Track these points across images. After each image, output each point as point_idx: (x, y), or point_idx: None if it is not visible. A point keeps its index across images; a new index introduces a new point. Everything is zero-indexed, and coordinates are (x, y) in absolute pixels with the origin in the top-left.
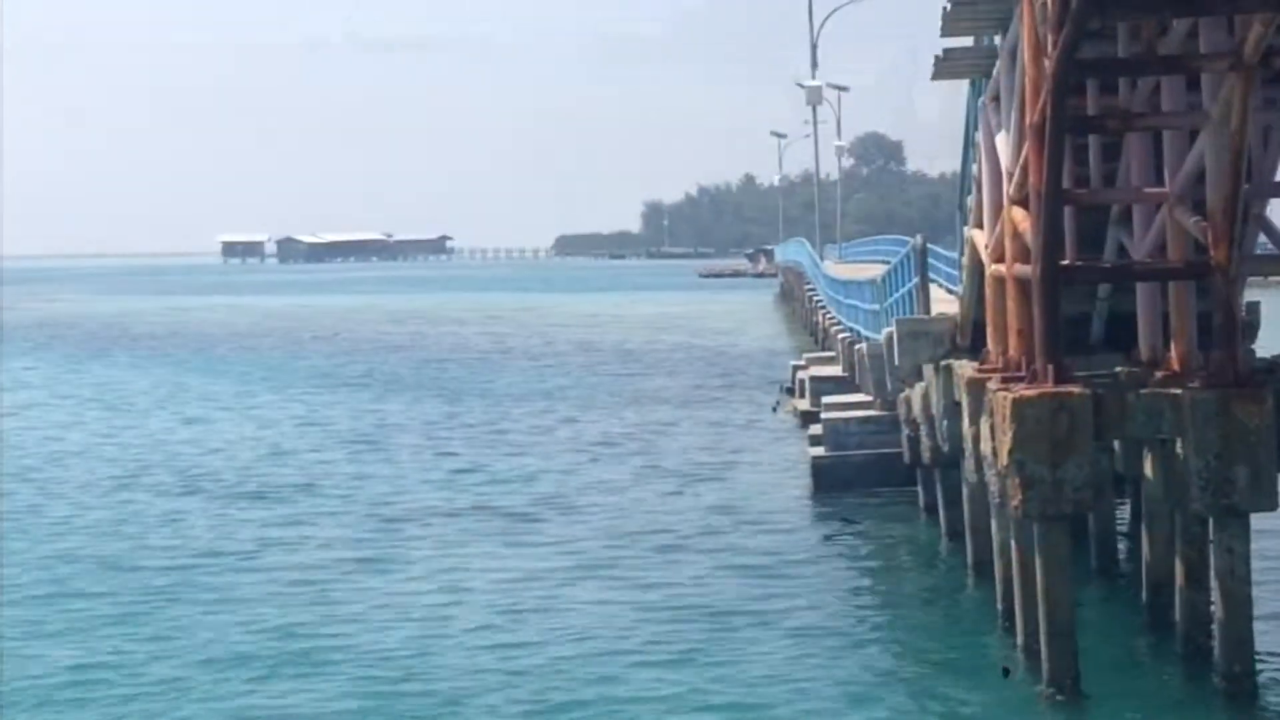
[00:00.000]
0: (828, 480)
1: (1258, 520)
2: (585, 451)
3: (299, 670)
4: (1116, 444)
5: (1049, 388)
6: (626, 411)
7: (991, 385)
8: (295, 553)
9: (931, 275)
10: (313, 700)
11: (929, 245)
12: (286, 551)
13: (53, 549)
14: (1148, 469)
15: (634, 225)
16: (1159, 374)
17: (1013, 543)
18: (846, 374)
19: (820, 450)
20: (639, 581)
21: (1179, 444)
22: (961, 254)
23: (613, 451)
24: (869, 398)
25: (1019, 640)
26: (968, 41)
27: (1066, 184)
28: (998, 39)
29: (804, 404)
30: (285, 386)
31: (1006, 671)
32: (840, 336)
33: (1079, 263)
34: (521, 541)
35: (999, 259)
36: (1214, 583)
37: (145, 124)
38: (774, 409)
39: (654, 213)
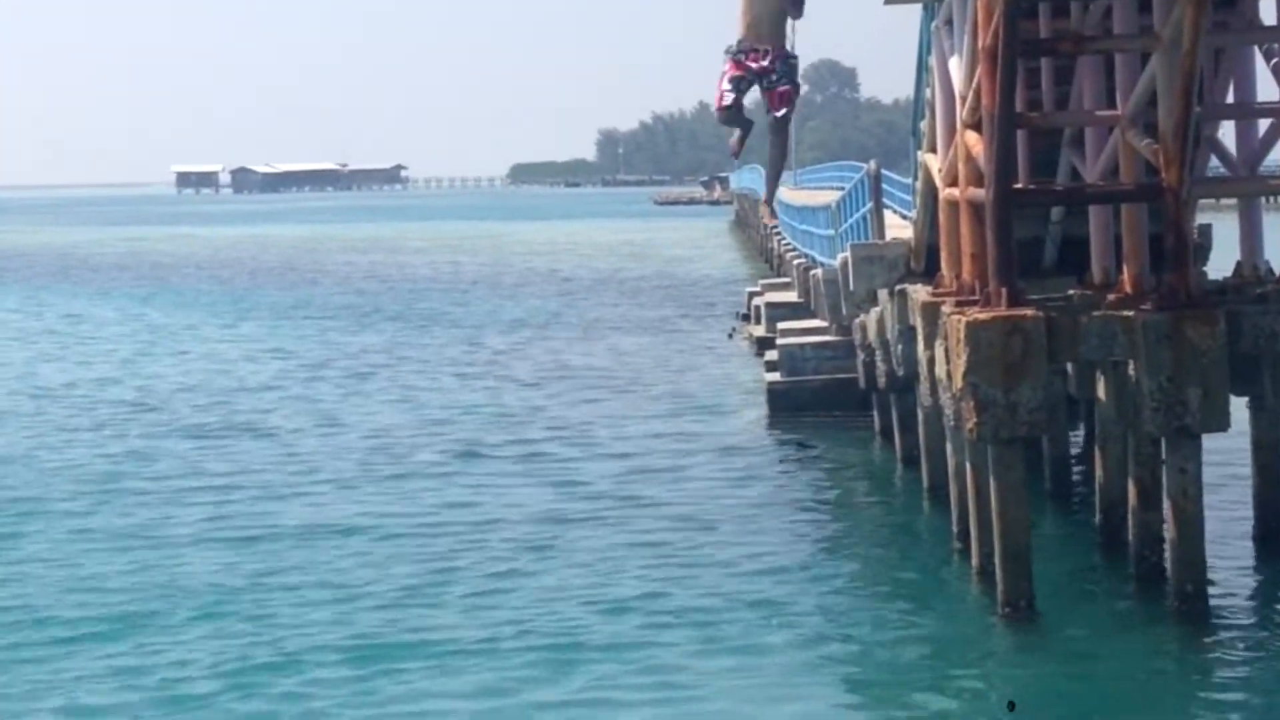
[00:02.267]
0: (783, 405)
1: (1209, 441)
2: (541, 379)
3: (268, 609)
4: (1070, 367)
5: (1002, 311)
6: (582, 338)
7: (945, 309)
8: (261, 482)
9: (886, 201)
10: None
11: (883, 171)
12: (256, 485)
13: (31, 484)
14: (1101, 391)
15: (589, 153)
16: (1111, 297)
17: (968, 466)
18: (801, 300)
19: (776, 376)
20: (592, 508)
21: (1131, 366)
22: (915, 179)
23: (568, 378)
24: (824, 323)
25: (974, 562)
26: None
27: (1019, 107)
28: None
29: (759, 330)
30: (253, 318)
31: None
32: (795, 262)
33: (1032, 186)
34: (478, 469)
35: (952, 183)
36: (1166, 504)
37: (95, 52)
38: (729, 335)
39: (609, 141)
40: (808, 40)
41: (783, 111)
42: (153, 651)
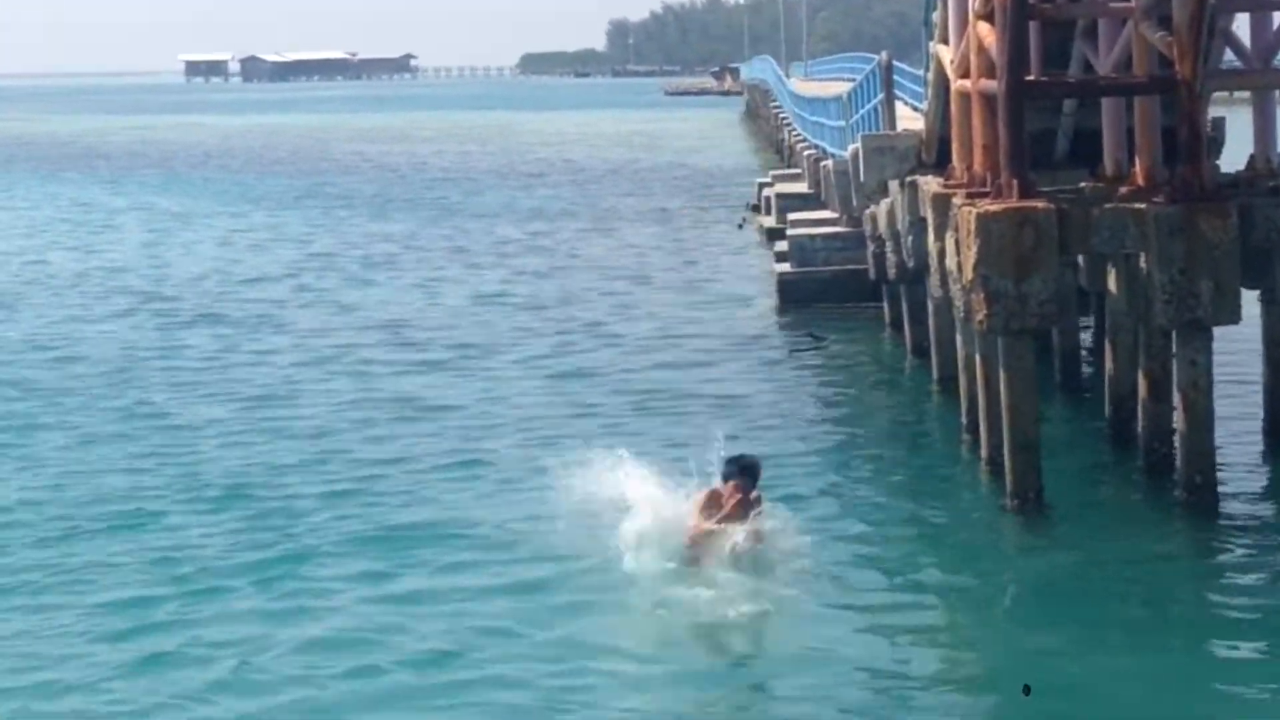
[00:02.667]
0: (794, 296)
1: (1220, 334)
2: (552, 269)
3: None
4: (1081, 259)
5: (1014, 203)
6: (593, 229)
7: (957, 201)
8: (280, 367)
9: (897, 92)
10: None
11: (894, 62)
12: (272, 374)
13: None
14: (1112, 284)
15: (599, 43)
16: (1123, 189)
17: (977, 358)
18: (812, 191)
19: (786, 266)
20: (604, 398)
21: (1143, 258)
22: (927, 70)
23: (579, 269)
24: (834, 214)
25: (983, 454)
26: None
27: None
28: None
29: (770, 221)
30: (264, 206)
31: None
32: (806, 153)
33: (1044, 78)
34: (493, 355)
35: (964, 74)
36: (1177, 396)
37: None
38: (740, 226)
39: (619, 31)
40: None
41: None
42: (169, 540)
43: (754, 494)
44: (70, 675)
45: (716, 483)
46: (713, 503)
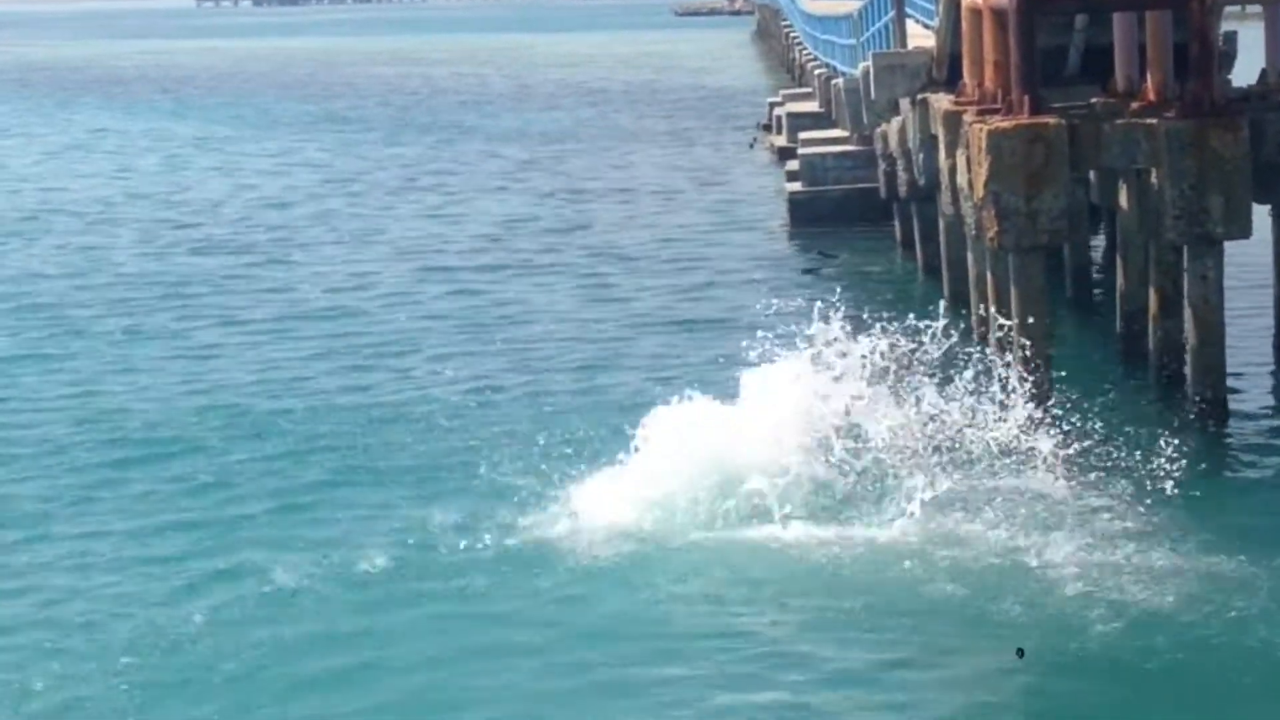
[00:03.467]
0: (804, 215)
1: (1230, 248)
2: (568, 190)
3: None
4: (1092, 175)
5: (1025, 119)
6: (606, 150)
7: (967, 118)
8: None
9: (908, 9)
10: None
11: None
12: (299, 297)
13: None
14: (1123, 199)
15: None
16: (1135, 105)
17: (989, 274)
18: (823, 110)
19: (797, 185)
20: (621, 316)
21: (1154, 174)
22: None
23: (592, 190)
24: (845, 133)
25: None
26: None
27: None
28: None
29: (781, 140)
30: (282, 132)
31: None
32: (817, 72)
33: None
34: (523, 271)
35: None
36: (1187, 311)
37: None
38: (751, 145)
39: None
40: None
41: None
42: (199, 467)
43: None
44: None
45: None
46: None
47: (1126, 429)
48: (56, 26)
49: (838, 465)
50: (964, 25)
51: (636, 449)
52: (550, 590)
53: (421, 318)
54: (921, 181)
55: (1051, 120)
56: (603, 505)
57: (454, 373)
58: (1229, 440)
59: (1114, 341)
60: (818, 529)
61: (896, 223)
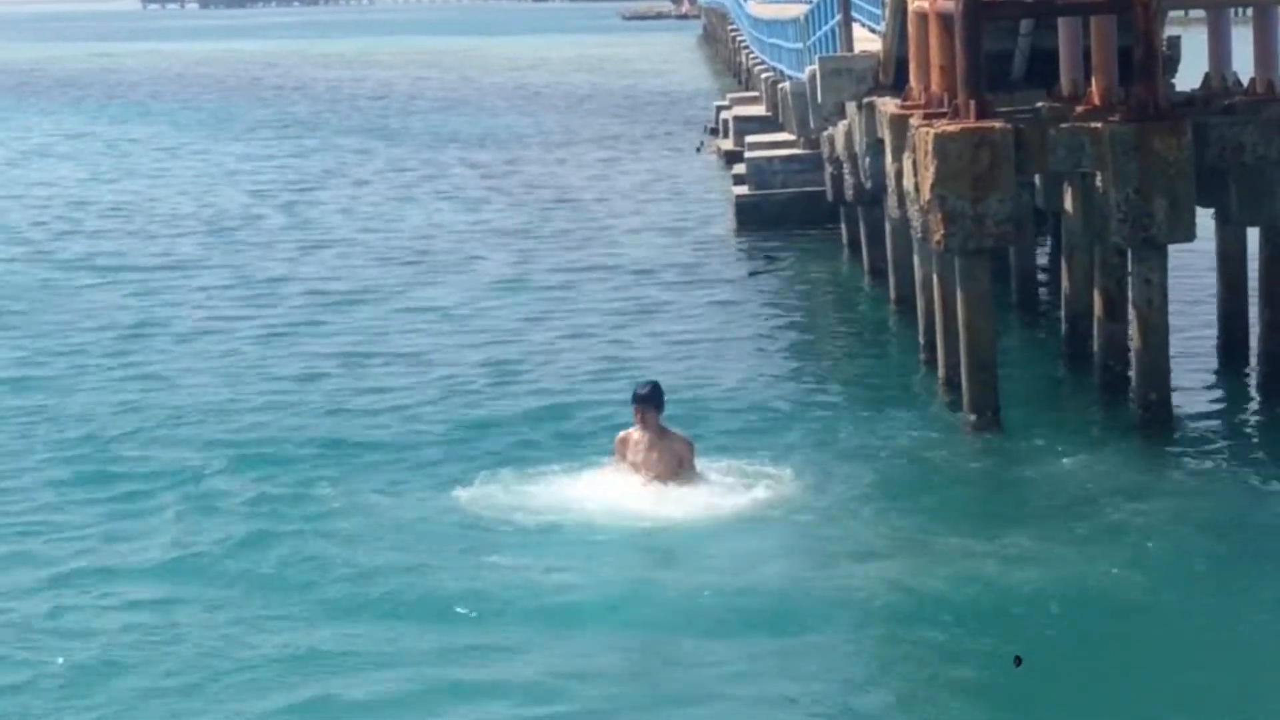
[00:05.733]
0: (752, 218)
1: (1174, 252)
2: (512, 194)
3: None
4: (1038, 178)
5: (971, 123)
6: (552, 154)
7: (914, 121)
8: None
9: (854, 13)
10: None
11: None
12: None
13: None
14: (1068, 203)
15: None
16: (1080, 109)
17: (935, 277)
18: (770, 113)
19: (744, 189)
20: (567, 321)
21: (1099, 177)
22: None
23: (537, 193)
24: (792, 136)
25: (940, 373)
26: None
27: None
28: None
29: (728, 144)
30: (228, 134)
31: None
32: (763, 76)
33: None
34: (454, 284)
35: None
36: (1132, 314)
37: None
38: (698, 149)
39: None
40: None
41: None
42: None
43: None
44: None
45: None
46: (624, 444)
47: (1070, 431)
48: (3, 29)
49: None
50: (910, 29)
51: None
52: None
53: (350, 323)
54: (868, 185)
55: (997, 124)
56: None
57: (368, 379)
58: (1173, 443)
59: (1058, 344)
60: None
61: (843, 226)
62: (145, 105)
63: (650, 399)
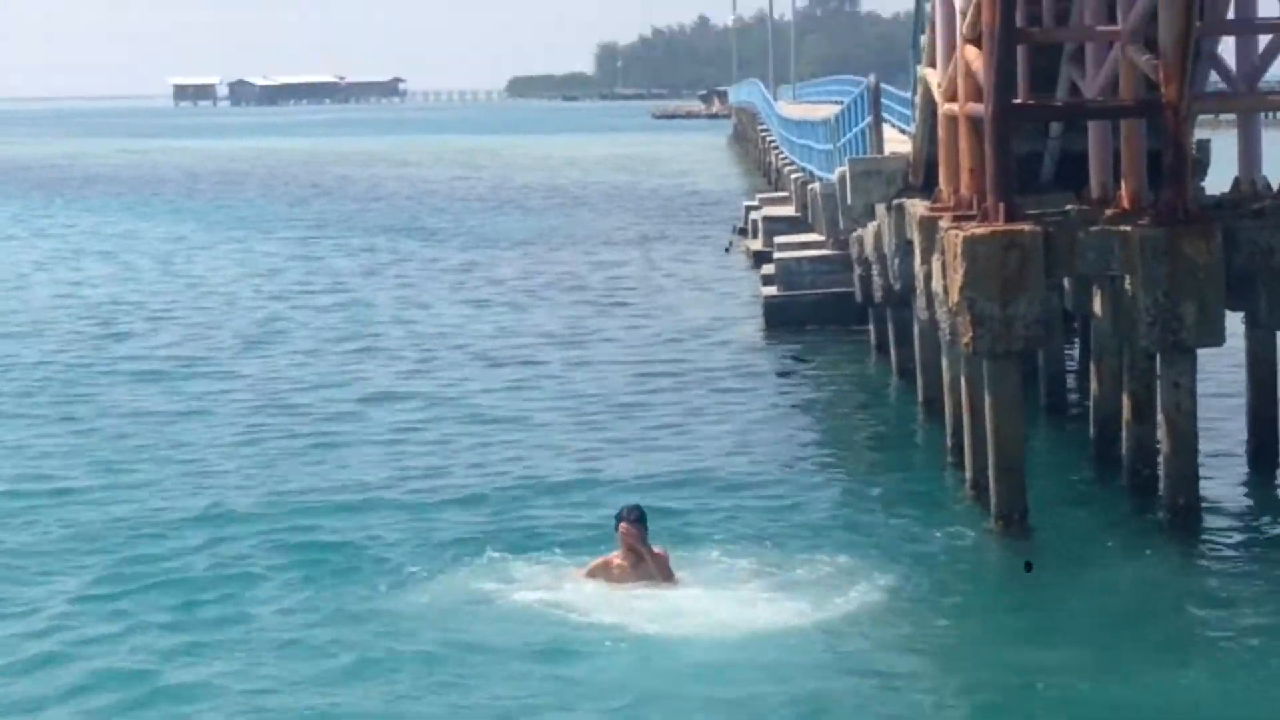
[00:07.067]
0: (780, 319)
1: (1203, 355)
2: (544, 292)
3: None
4: (1066, 281)
5: (1000, 225)
6: (583, 253)
7: (943, 223)
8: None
9: (884, 115)
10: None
11: (882, 85)
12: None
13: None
14: (1097, 306)
15: (587, 67)
16: (1109, 212)
17: (963, 380)
18: (799, 214)
19: (773, 289)
20: (596, 418)
21: (1128, 281)
22: (914, 94)
23: (570, 291)
24: (821, 237)
25: (968, 475)
26: None
27: (1019, 22)
28: None
29: (757, 244)
30: (276, 231)
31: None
32: (793, 176)
33: (1031, 101)
34: (489, 379)
35: (952, 98)
36: (1161, 418)
37: None
38: (727, 249)
39: (607, 54)
40: None
41: None
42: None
43: (657, 549)
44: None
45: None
46: (605, 568)
47: (1098, 536)
48: (38, 124)
49: None
50: (940, 131)
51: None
52: None
53: (391, 416)
54: (897, 286)
55: (1027, 227)
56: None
57: (406, 466)
58: (1202, 548)
59: (1087, 447)
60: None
61: (871, 327)
62: (178, 203)
63: (640, 520)
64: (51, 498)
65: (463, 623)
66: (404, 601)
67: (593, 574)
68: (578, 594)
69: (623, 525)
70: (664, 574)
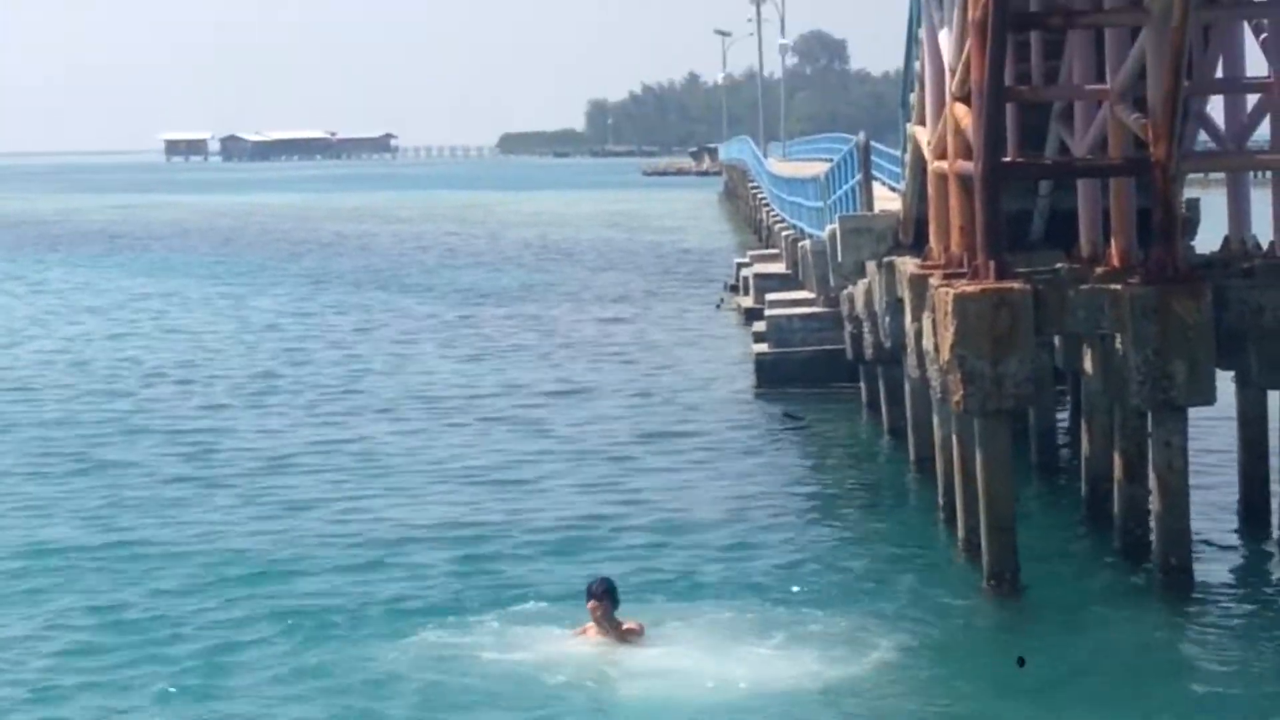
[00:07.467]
0: (771, 376)
1: (1194, 414)
2: (533, 348)
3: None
4: (1057, 339)
5: (990, 283)
6: (572, 309)
7: (933, 281)
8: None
9: (874, 173)
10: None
11: (872, 143)
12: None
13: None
14: (1087, 364)
15: (578, 124)
16: (1099, 270)
17: (954, 438)
18: (790, 271)
19: (764, 346)
20: (582, 475)
21: (1118, 339)
22: (904, 151)
23: (560, 348)
24: (812, 294)
25: (959, 534)
26: None
27: (1008, 81)
28: None
29: (747, 301)
30: (262, 287)
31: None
32: (784, 234)
33: (1020, 159)
34: (476, 439)
35: (941, 156)
36: (1152, 477)
37: (85, 18)
38: (718, 306)
39: (598, 111)
40: (798, 10)
41: None
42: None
43: (630, 624)
44: None
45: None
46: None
47: (1090, 595)
48: (29, 179)
49: None
50: (930, 190)
51: None
52: None
53: (382, 473)
54: (887, 344)
55: (1017, 285)
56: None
57: (400, 521)
58: (1194, 607)
59: (1078, 506)
60: None
61: (862, 384)
62: (172, 260)
63: (608, 594)
64: (38, 553)
65: (435, 685)
66: (380, 661)
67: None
68: (560, 657)
69: (590, 603)
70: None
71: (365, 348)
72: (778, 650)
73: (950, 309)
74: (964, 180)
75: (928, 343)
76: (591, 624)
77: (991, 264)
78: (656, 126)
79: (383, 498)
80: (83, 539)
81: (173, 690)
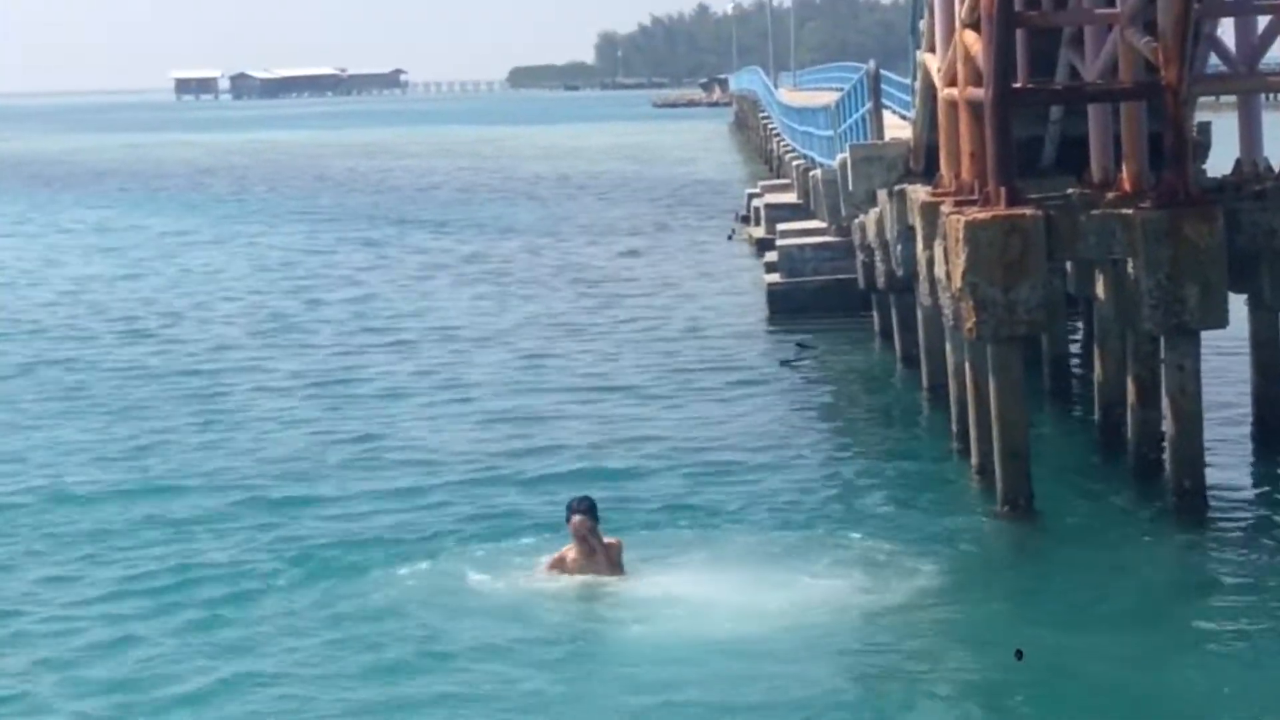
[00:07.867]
0: (783, 306)
1: (1207, 338)
2: (547, 281)
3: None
4: (1069, 265)
5: (1001, 210)
6: (585, 242)
7: (945, 209)
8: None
9: (885, 101)
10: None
11: (882, 71)
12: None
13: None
14: (1099, 289)
15: (588, 57)
16: (1110, 195)
17: (967, 365)
18: (801, 201)
19: (776, 277)
20: (597, 408)
21: (1130, 264)
22: (914, 79)
23: (573, 281)
24: (823, 224)
25: (973, 461)
26: None
27: (1018, 6)
28: None
29: (759, 231)
30: (277, 225)
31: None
32: (795, 163)
33: (1031, 85)
34: (488, 372)
35: (951, 83)
36: (1165, 401)
37: None
38: (729, 236)
39: (608, 44)
40: None
41: None
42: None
43: (610, 539)
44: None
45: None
46: (560, 563)
47: (1104, 519)
48: (39, 119)
49: None
50: (940, 117)
51: None
52: None
53: (396, 406)
54: (899, 272)
55: (1028, 211)
56: None
57: (407, 457)
58: (1208, 530)
59: (1092, 431)
60: None
61: (875, 313)
62: (186, 198)
63: (589, 512)
64: (52, 497)
65: (420, 620)
66: (368, 598)
67: (551, 569)
68: (539, 590)
69: (575, 518)
70: (612, 563)
71: (380, 284)
72: (790, 576)
73: (961, 236)
74: (974, 107)
75: (939, 270)
76: (570, 546)
77: (1002, 190)
78: (666, 58)
79: (402, 431)
80: (99, 475)
81: (177, 623)
